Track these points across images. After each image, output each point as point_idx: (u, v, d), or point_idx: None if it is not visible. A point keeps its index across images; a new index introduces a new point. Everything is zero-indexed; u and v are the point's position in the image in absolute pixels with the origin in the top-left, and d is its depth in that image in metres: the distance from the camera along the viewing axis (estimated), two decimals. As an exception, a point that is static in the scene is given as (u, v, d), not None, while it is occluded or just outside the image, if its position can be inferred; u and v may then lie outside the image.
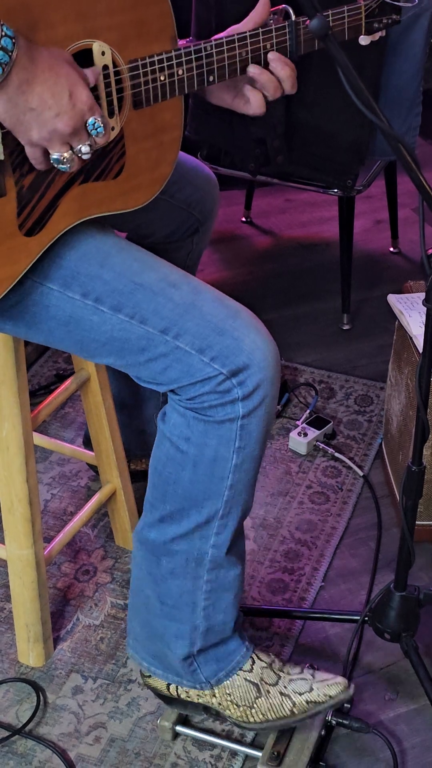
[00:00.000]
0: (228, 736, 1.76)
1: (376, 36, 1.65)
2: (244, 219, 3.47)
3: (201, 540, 1.58)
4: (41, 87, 1.24)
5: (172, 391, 1.51)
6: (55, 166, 1.31)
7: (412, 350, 2.02)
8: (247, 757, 1.73)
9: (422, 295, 1.51)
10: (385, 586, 1.78)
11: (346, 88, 1.31)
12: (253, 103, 1.55)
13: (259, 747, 1.72)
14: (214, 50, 1.46)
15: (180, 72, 1.43)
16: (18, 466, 1.72)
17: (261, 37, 1.50)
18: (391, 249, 3.29)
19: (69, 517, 2.20)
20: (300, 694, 1.66)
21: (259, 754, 1.70)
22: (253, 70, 1.51)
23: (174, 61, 1.42)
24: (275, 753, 1.69)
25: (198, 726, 1.77)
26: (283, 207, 3.57)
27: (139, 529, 1.64)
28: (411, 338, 2.02)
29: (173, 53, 1.42)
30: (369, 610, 1.80)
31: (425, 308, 1.49)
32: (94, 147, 1.32)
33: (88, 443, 2.15)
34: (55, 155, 1.30)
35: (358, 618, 1.84)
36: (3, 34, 1.19)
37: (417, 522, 1.75)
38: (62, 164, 1.31)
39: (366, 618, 1.81)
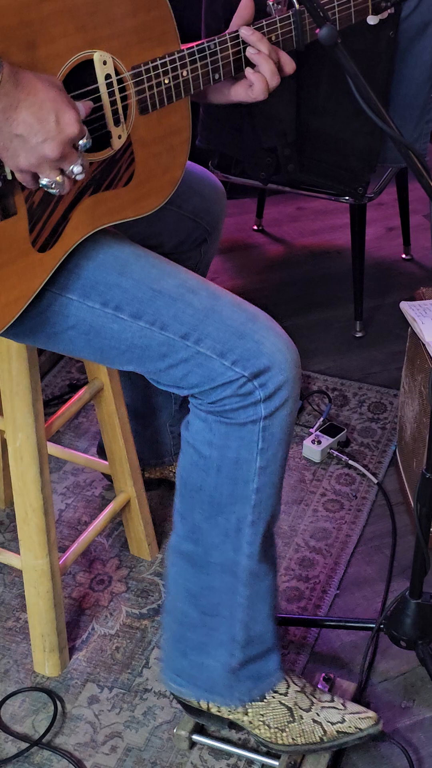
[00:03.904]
0: (244, 745, 1.76)
1: (385, 14, 1.61)
2: (255, 227, 3.48)
3: (235, 551, 1.57)
4: (26, 112, 1.22)
5: (193, 395, 1.51)
6: (45, 190, 1.30)
7: (425, 357, 2.02)
8: (263, 766, 1.73)
9: (434, 302, 1.51)
10: (400, 594, 1.78)
11: (356, 97, 1.32)
12: (256, 86, 1.51)
13: (275, 756, 1.72)
14: (218, 48, 1.46)
15: (185, 73, 1.43)
16: (32, 476, 1.72)
17: (265, 30, 1.49)
18: (404, 256, 3.29)
19: (83, 527, 2.20)
20: (332, 724, 1.67)
21: (275, 763, 1.70)
22: (251, 50, 1.49)
23: (177, 63, 1.42)
24: (292, 762, 1.68)
25: (214, 735, 1.77)
26: (295, 215, 3.57)
27: (172, 542, 1.64)
28: (424, 345, 2.02)
29: (176, 55, 1.42)
30: (384, 618, 1.80)
31: (437, 315, 1.49)
32: (87, 165, 1.30)
33: (102, 452, 2.16)
34: (43, 181, 1.28)
35: (374, 626, 1.84)
36: None
37: (432, 529, 1.75)
38: (51, 189, 1.29)
39: (381, 626, 1.81)
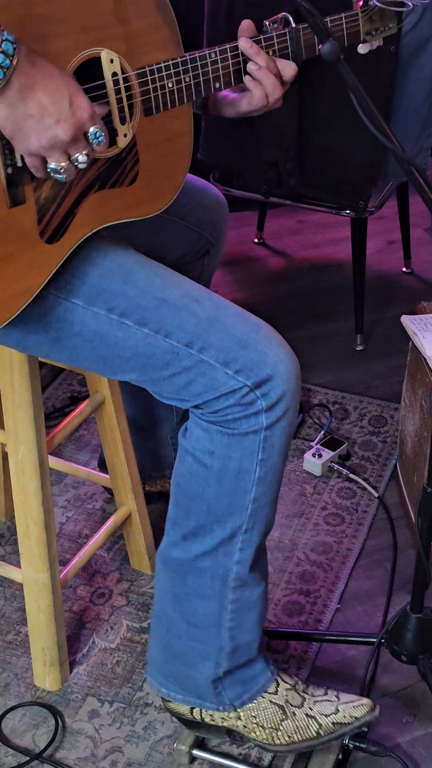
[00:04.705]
0: (245, 760, 1.75)
1: (374, 45, 1.65)
2: (256, 240, 3.48)
3: (225, 557, 1.57)
4: (42, 93, 1.24)
5: (194, 405, 1.51)
6: (52, 175, 1.31)
7: (426, 371, 2.02)
8: (264, 780, 1.73)
9: (436, 317, 1.51)
10: (401, 608, 1.77)
11: (358, 112, 1.32)
12: (255, 94, 1.53)
13: (276, 771, 1.72)
14: (218, 57, 1.49)
15: (187, 79, 1.46)
16: (34, 490, 1.72)
17: (263, 44, 1.53)
18: (404, 269, 3.30)
19: (84, 540, 2.20)
20: (326, 716, 1.66)
21: (276, 777, 1.70)
22: (252, 66, 1.52)
23: (180, 68, 1.45)
24: (292, 777, 1.68)
25: (215, 750, 1.77)
26: (296, 228, 3.58)
27: (162, 548, 1.64)
28: (425, 359, 2.02)
29: (179, 60, 1.45)
30: (385, 632, 1.80)
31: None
32: (92, 156, 1.32)
33: (103, 465, 2.15)
34: (52, 164, 1.29)
35: (375, 640, 1.84)
36: (3, 38, 1.20)
37: (433, 543, 1.74)
38: (59, 174, 1.30)
39: (382, 640, 1.80)
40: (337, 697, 1.69)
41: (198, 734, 1.74)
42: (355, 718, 1.66)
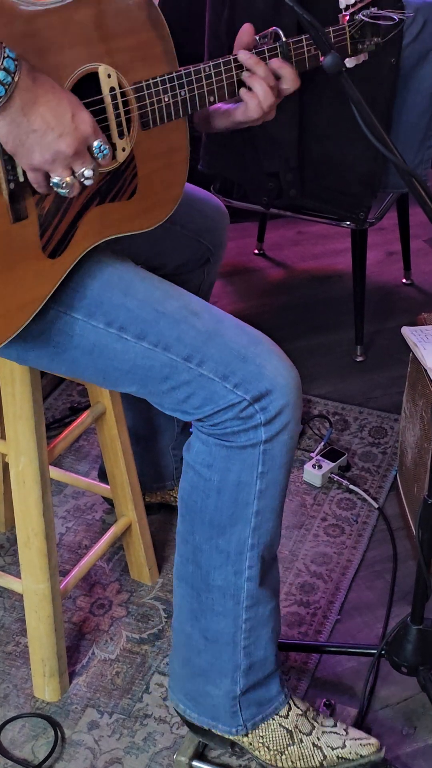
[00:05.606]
0: (245, 772, 1.75)
1: (360, 58, 1.68)
2: (256, 251, 3.49)
3: (236, 575, 1.57)
4: (44, 108, 1.25)
5: (197, 419, 1.51)
6: (55, 189, 1.31)
7: (426, 383, 2.02)
8: (264, 792, 1.72)
9: (437, 328, 1.51)
10: (401, 620, 1.77)
11: (360, 123, 1.33)
12: (249, 104, 1.55)
13: (276, 783, 1.71)
14: (212, 71, 1.51)
15: (182, 93, 1.48)
16: (35, 500, 1.72)
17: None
18: (404, 280, 3.30)
19: (84, 551, 2.20)
20: (332, 749, 1.66)
21: (276, 789, 1.69)
22: (246, 74, 1.54)
23: (176, 83, 1.47)
24: (292, 789, 1.68)
25: (215, 761, 1.76)
26: (296, 239, 3.58)
27: (176, 564, 1.65)
28: (425, 371, 2.02)
29: (174, 75, 1.46)
30: (385, 644, 1.79)
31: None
32: (97, 171, 1.32)
33: (103, 476, 2.15)
34: (55, 179, 1.29)
35: (375, 651, 1.84)
36: (5, 55, 1.20)
37: (433, 555, 1.74)
38: (61, 189, 1.30)
39: (383, 651, 1.80)
40: (345, 731, 1.69)
41: (202, 740, 1.74)
42: (360, 756, 1.66)
